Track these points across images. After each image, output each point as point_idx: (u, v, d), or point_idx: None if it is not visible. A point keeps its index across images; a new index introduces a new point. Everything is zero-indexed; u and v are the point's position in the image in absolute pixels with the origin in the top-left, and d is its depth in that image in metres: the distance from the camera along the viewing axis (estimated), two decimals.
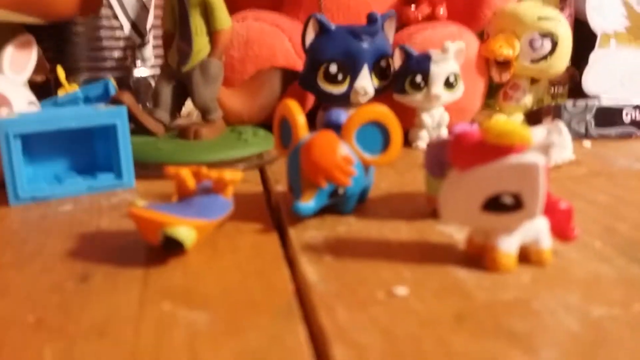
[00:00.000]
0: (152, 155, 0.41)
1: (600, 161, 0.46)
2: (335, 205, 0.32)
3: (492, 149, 0.24)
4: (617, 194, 0.37)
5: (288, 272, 0.26)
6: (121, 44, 0.59)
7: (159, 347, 0.20)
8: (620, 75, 0.59)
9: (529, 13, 0.54)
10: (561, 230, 0.27)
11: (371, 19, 0.48)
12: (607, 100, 0.55)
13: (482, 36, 0.57)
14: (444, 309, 0.22)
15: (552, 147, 0.41)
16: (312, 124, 0.35)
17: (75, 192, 0.38)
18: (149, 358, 0.19)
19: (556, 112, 0.54)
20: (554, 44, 0.53)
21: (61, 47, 0.58)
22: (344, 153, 0.31)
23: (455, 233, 0.30)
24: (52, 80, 0.54)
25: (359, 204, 0.34)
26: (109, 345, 0.20)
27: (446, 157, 0.29)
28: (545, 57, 0.54)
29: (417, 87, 0.48)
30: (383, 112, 0.31)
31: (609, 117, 0.54)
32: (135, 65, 0.60)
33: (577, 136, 0.53)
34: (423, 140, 0.50)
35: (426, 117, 0.50)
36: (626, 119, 0.54)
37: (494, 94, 0.58)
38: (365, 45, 0.47)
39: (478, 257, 0.26)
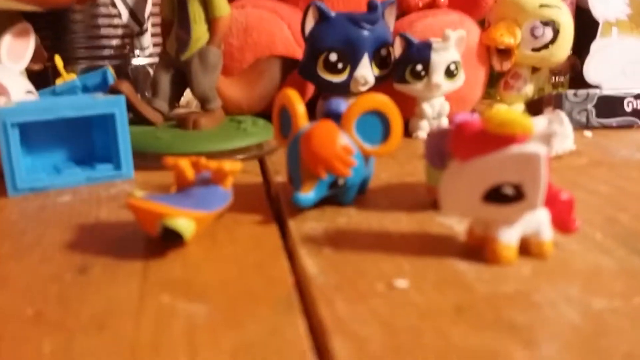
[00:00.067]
0: (151, 145, 0.41)
1: (601, 151, 0.45)
2: (335, 196, 0.32)
3: (493, 139, 0.23)
4: (618, 184, 0.36)
5: (287, 264, 0.26)
6: (119, 32, 0.59)
7: (158, 339, 0.20)
8: (622, 65, 0.59)
9: (530, 0, 0.53)
10: (562, 221, 0.27)
11: (371, 6, 0.47)
12: (609, 90, 0.55)
13: (483, 24, 0.57)
14: (444, 301, 0.22)
15: (553, 136, 0.41)
16: (312, 113, 0.35)
17: (73, 182, 0.37)
18: (148, 350, 0.19)
19: (557, 102, 0.53)
20: (556, 32, 0.53)
21: (59, 36, 0.58)
22: (343, 143, 0.30)
23: (456, 224, 0.29)
24: (50, 69, 0.54)
25: (359, 194, 0.34)
26: (108, 337, 0.20)
27: (447, 147, 0.29)
28: (546, 46, 0.53)
29: (417, 76, 0.48)
30: (383, 102, 0.31)
31: (610, 106, 0.54)
32: (133, 54, 0.59)
33: (578, 126, 0.53)
34: (423, 130, 0.50)
35: (427, 107, 0.49)
36: (627, 108, 0.54)
37: (494, 83, 0.58)
38: (365, 33, 0.46)
39: (478, 249, 0.26)
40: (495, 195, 0.24)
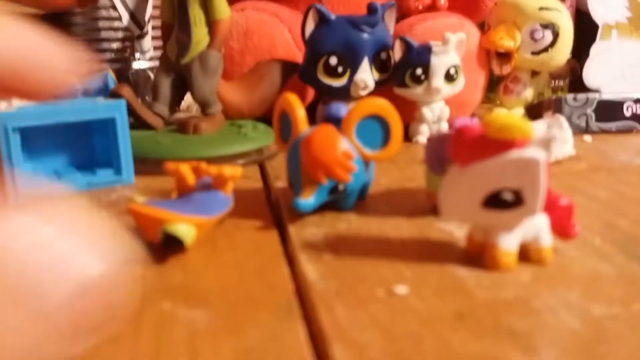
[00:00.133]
0: (151, 150, 0.41)
1: (601, 156, 0.46)
2: (335, 202, 0.32)
3: (492, 144, 0.23)
4: (617, 190, 0.36)
5: (288, 270, 0.26)
6: (120, 35, 0.59)
7: (158, 345, 0.20)
8: (622, 68, 0.59)
9: (530, 3, 0.53)
10: (562, 227, 0.27)
11: (371, 9, 0.47)
12: (608, 94, 0.55)
13: (483, 27, 0.57)
14: (444, 308, 0.22)
15: (552, 141, 0.41)
16: (312, 117, 0.35)
17: (74, 188, 0.38)
18: (149, 357, 0.19)
19: (557, 106, 0.54)
20: (555, 35, 0.53)
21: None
22: (344, 148, 0.31)
23: (456, 230, 0.30)
24: None
25: (359, 200, 0.34)
26: (109, 344, 0.20)
27: (446, 152, 0.29)
28: (546, 49, 0.53)
29: (417, 80, 0.48)
30: (383, 106, 0.31)
31: (609, 111, 0.54)
32: (134, 57, 0.59)
33: (578, 130, 0.53)
34: (423, 135, 0.50)
35: (427, 111, 0.49)
36: (627, 112, 0.54)
37: (494, 87, 0.58)
38: (365, 36, 0.46)
39: (478, 255, 0.26)
40: (494, 201, 0.24)
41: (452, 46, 0.47)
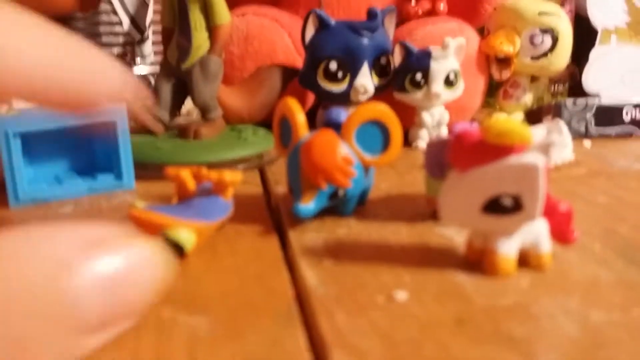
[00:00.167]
0: (152, 155, 0.41)
1: (600, 161, 0.46)
2: (335, 207, 0.32)
3: (491, 149, 0.23)
4: (616, 195, 0.37)
5: (288, 275, 0.26)
6: (120, 40, 0.59)
7: (159, 352, 0.20)
8: (621, 73, 0.59)
9: (529, 8, 0.53)
10: (561, 233, 0.27)
11: (371, 14, 0.48)
12: (607, 99, 0.55)
13: (482, 32, 0.57)
14: (443, 314, 0.22)
15: (552, 146, 0.41)
16: (312, 122, 0.35)
17: (75, 193, 0.38)
18: None
19: (556, 111, 0.54)
20: (555, 40, 0.53)
21: None
22: (344, 153, 0.31)
23: (456, 236, 0.30)
24: None
25: (359, 205, 0.34)
26: (109, 351, 0.20)
27: (446, 157, 0.29)
28: (545, 54, 0.53)
29: (417, 85, 0.48)
30: (383, 111, 0.31)
31: (608, 115, 0.54)
32: (134, 62, 0.60)
33: (577, 135, 0.53)
34: (423, 140, 0.50)
35: (426, 116, 0.50)
36: (626, 117, 0.54)
37: (494, 92, 0.58)
38: (365, 41, 0.47)
39: (478, 261, 0.26)
40: (494, 206, 0.24)
41: (452, 51, 0.47)
